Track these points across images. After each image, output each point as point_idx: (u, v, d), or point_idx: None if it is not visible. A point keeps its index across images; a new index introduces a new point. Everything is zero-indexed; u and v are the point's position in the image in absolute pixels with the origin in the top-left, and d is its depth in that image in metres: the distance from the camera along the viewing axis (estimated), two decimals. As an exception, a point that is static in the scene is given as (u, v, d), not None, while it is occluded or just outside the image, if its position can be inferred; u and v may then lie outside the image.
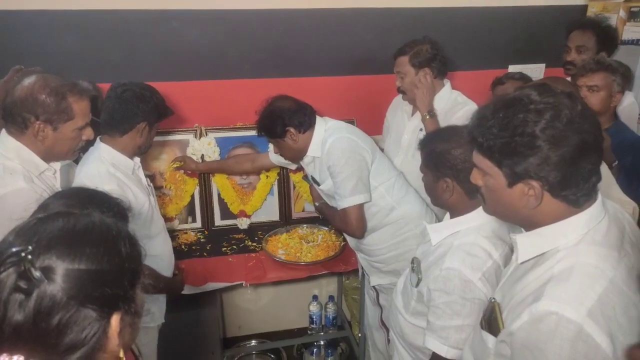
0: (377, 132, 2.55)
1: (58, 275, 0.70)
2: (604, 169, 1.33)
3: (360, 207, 2.02)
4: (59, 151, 1.60)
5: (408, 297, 1.58)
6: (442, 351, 1.37)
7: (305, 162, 2.17)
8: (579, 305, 0.92)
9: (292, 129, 2.04)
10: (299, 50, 2.61)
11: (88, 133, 1.64)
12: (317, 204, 2.37)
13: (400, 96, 2.36)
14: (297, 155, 2.14)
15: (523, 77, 2.35)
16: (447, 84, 2.28)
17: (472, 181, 1.14)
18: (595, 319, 0.91)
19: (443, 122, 2.14)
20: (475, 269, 1.34)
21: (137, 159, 1.89)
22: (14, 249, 0.71)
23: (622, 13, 2.63)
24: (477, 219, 1.42)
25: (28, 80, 1.52)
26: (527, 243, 1.07)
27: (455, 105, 2.23)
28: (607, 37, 2.40)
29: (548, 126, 0.95)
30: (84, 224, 0.77)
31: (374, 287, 2.28)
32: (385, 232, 2.11)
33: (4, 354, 0.68)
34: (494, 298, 1.16)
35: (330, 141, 2.02)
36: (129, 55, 2.43)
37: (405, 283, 1.63)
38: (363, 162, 2.01)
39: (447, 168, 1.43)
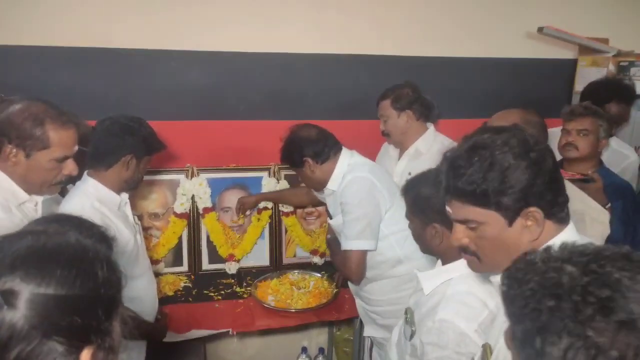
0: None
1: (21, 300, 0.61)
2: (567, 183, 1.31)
3: (362, 253, 1.94)
4: (32, 181, 1.48)
5: (402, 350, 1.48)
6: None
7: (326, 193, 2.11)
8: None
9: (309, 160, 1.99)
10: (295, 94, 2.63)
11: (70, 167, 1.52)
12: (328, 236, 2.30)
13: (387, 143, 2.44)
14: (316, 185, 2.09)
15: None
16: (431, 127, 2.36)
17: (456, 243, 1.09)
18: None
19: (431, 164, 2.12)
20: (470, 320, 1.26)
21: (125, 195, 1.82)
22: None
23: (612, 67, 2.70)
24: None
25: (13, 105, 1.45)
26: None
27: (442, 149, 2.21)
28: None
29: (524, 153, 0.97)
30: (55, 243, 0.68)
31: (368, 337, 2.17)
32: (387, 285, 2.00)
33: None
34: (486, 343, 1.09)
35: (349, 178, 1.96)
36: (127, 93, 2.42)
37: (400, 335, 1.53)
38: (377, 207, 1.94)
39: (434, 213, 1.36)
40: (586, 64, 2.84)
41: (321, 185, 2.06)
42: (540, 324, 0.63)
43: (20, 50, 2.28)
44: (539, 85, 2.82)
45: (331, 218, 2.12)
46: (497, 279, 1.02)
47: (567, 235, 1.01)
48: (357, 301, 2.20)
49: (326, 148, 2.00)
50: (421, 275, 1.44)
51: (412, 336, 1.41)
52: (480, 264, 1.09)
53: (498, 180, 0.97)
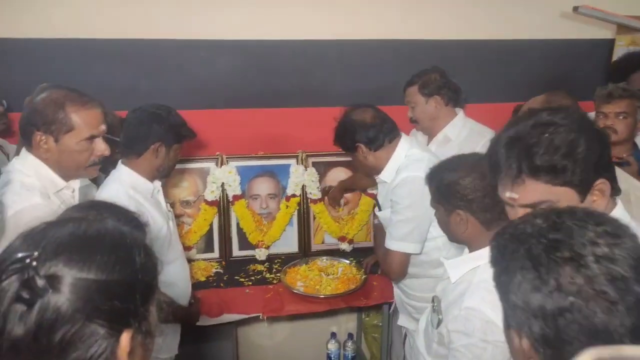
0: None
1: (65, 284, 0.64)
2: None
3: (405, 255, 1.86)
4: (68, 165, 1.53)
5: (429, 338, 1.48)
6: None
7: (377, 180, 2.04)
8: None
9: (362, 146, 1.89)
10: (321, 80, 2.63)
11: (100, 147, 1.54)
12: (376, 221, 2.20)
13: (416, 129, 2.39)
14: (369, 171, 2.01)
15: None
16: (460, 112, 2.29)
17: None
18: None
19: (460, 150, 2.09)
20: (497, 308, 1.21)
21: (158, 183, 1.87)
22: (18, 255, 0.64)
23: (652, 46, 2.59)
24: None
25: (38, 95, 1.51)
26: None
27: (471, 134, 2.21)
28: None
29: (586, 126, 1.00)
30: (95, 230, 0.70)
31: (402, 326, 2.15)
32: (428, 283, 1.92)
33: None
34: None
35: (403, 175, 1.85)
36: (157, 84, 2.46)
37: (427, 323, 1.53)
38: (428, 210, 1.75)
39: (457, 199, 1.35)
40: (625, 44, 2.73)
41: (374, 171, 1.97)
42: (504, 264, 0.76)
43: (53, 42, 2.35)
44: (573, 67, 2.73)
45: (379, 208, 2.05)
46: None
47: (618, 212, 1.03)
48: (396, 290, 2.17)
49: (380, 134, 1.87)
50: (448, 263, 1.43)
51: (439, 324, 1.40)
52: None
53: (572, 155, 0.97)
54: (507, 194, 1.04)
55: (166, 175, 1.89)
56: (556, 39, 2.74)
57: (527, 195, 1.01)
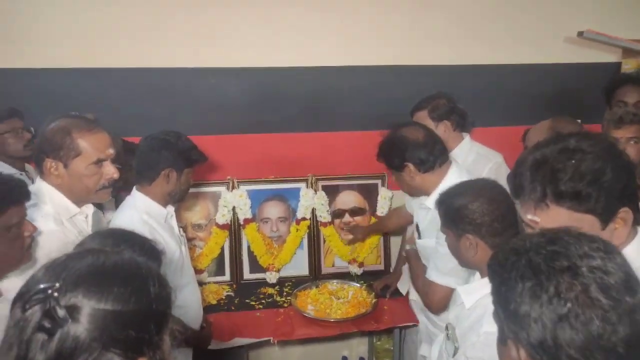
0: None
1: (83, 315, 0.67)
2: None
3: (450, 290, 1.70)
4: (79, 190, 1.57)
5: None
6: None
7: (418, 205, 1.92)
8: None
9: (411, 166, 1.80)
10: (330, 105, 2.68)
11: (109, 171, 1.58)
12: (407, 247, 2.10)
13: None
14: (412, 192, 1.91)
15: None
16: (467, 137, 2.30)
17: None
18: None
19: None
20: None
21: (171, 208, 1.91)
22: (41, 286, 0.68)
23: (659, 69, 2.61)
24: None
25: (47, 124, 1.57)
26: None
27: (478, 158, 2.23)
28: None
29: (613, 154, 1.01)
30: (113, 262, 0.74)
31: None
32: None
33: None
34: None
35: None
36: (170, 110, 2.53)
37: (441, 352, 1.50)
38: None
39: (466, 224, 1.36)
40: (631, 67, 2.75)
41: (418, 192, 1.88)
42: (506, 276, 0.78)
43: (69, 72, 2.43)
44: (580, 91, 2.75)
45: (419, 235, 1.93)
46: None
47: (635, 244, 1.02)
48: (421, 318, 2.12)
49: (432, 157, 1.78)
50: (461, 289, 1.42)
51: (455, 352, 1.38)
52: None
53: (598, 183, 0.97)
54: (529, 217, 1.05)
55: (179, 200, 1.93)
56: (562, 63, 2.77)
57: (549, 219, 1.01)
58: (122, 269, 0.74)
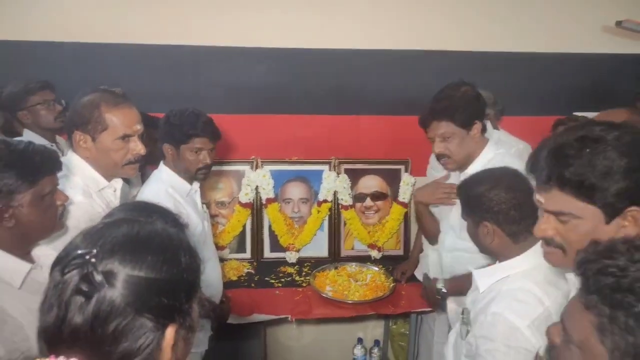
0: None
1: (119, 280, 0.70)
2: None
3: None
4: (105, 163, 1.60)
5: (458, 351, 1.49)
6: None
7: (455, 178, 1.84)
8: None
9: (479, 124, 1.74)
10: (357, 89, 2.66)
11: (135, 146, 1.60)
12: (442, 290, 1.94)
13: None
14: (463, 160, 1.81)
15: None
16: (493, 136, 1.98)
17: (539, 234, 1.07)
18: None
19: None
20: (523, 315, 1.26)
21: (196, 185, 1.94)
22: (79, 252, 0.71)
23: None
24: (527, 263, 1.34)
25: (80, 97, 1.61)
26: None
27: (499, 144, 2.00)
28: None
29: (635, 151, 0.94)
30: (147, 232, 0.77)
31: None
32: None
33: (61, 356, 0.68)
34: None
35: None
36: (197, 88, 2.56)
37: (456, 336, 1.54)
38: None
39: (484, 211, 1.38)
40: (667, 59, 2.66)
41: (467, 161, 1.81)
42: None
43: (95, 47, 2.46)
44: (615, 82, 2.67)
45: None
46: (572, 276, 1.00)
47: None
48: (451, 306, 1.99)
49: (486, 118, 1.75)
50: (477, 272, 1.45)
51: (467, 334, 1.42)
52: (564, 258, 1.05)
53: (607, 176, 0.94)
54: (537, 196, 1.06)
55: (199, 177, 1.93)
56: (598, 52, 2.69)
57: (550, 202, 1.02)
58: (155, 239, 0.77)
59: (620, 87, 2.64)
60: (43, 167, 1.23)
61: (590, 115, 2.64)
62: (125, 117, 1.60)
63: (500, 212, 1.35)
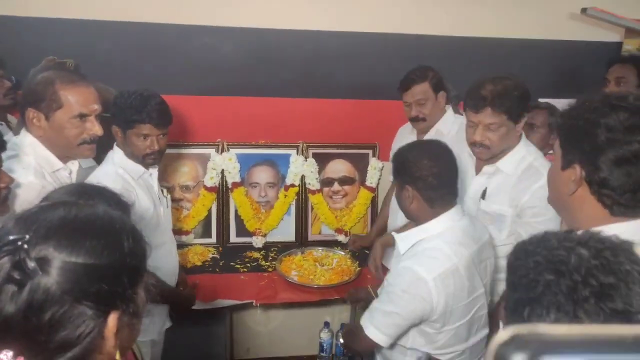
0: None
1: (54, 267, 0.67)
2: None
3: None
4: (59, 143, 1.54)
5: None
6: (366, 327, 1.49)
7: (489, 170, 1.81)
8: None
9: (525, 117, 1.72)
10: (325, 72, 2.63)
11: (92, 127, 1.55)
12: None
13: (404, 127, 2.40)
14: (499, 148, 1.75)
15: (549, 107, 2.34)
16: (449, 109, 2.29)
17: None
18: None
19: (453, 144, 2.07)
20: (429, 269, 1.39)
21: (153, 169, 1.88)
22: (10, 237, 0.67)
23: (660, 51, 2.57)
24: (440, 226, 1.47)
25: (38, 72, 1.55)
26: None
27: (462, 129, 2.13)
28: None
29: (614, 121, 0.93)
30: (85, 215, 0.73)
31: None
32: None
33: None
34: None
35: (532, 159, 1.74)
36: (160, 67, 2.47)
37: None
38: None
39: (407, 176, 1.49)
40: (632, 47, 2.70)
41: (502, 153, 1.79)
42: (533, 295, 0.64)
43: (59, 22, 2.36)
44: (579, 69, 2.71)
45: (483, 196, 1.81)
46: None
47: (626, 227, 0.93)
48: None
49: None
50: (397, 236, 1.55)
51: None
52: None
53: (572, 125, 1.01)
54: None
55: (144, 163, 1.82)
56: (562, 39, 2.72)
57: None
58: (95, 223, 0.73)
59: (585, 74, 2.68)
60: None
61: (555, 102, 2.69)
62: (81, 96, 1.54)
63: (421, 178, 1.45)
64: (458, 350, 1.51)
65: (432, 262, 1.40)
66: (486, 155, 1.78)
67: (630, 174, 0.93)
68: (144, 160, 1.81)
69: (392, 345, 1.53)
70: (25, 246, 0.66)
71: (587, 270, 0.62)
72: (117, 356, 0.74)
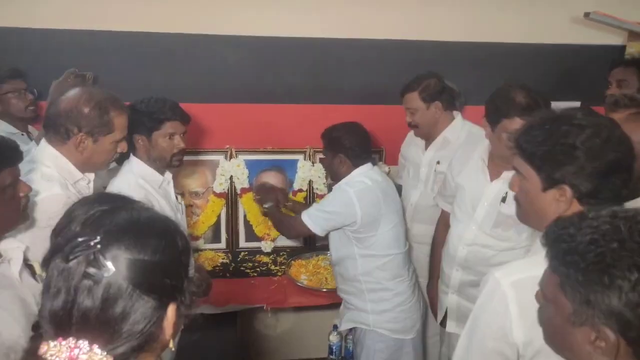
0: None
1: (125, 264, 0.74)
2: None
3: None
4: (96, 162, 1.64)
5: None
6: (303, 215, 2.06)
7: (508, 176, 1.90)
8: None
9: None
10: (331, 78, 2.66)
11: (123, 146, 1.67)
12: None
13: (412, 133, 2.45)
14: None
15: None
16: (458, 116, 2.35)
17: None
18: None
19: (460, 152, 2.13)
20: (352, 186, 2.04)
21: (168, 175, 1.92)
22: (81, 239, 0.74)
23: (663, 54, 2.59)
24: (359, 171, 2.08)
25: (73, 92, 1.58)
26: None
27: (470, 136, 2.24)
28: None
29: (587, 140, 1.04)
30: (146, 217, 0.81)
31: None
32: None
33: (70, 338, 0.71)
34: None
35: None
36: (169, 76, 2.51)
37: None
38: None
39: (339, 147, 2.07)
40: (635, 50, 2.73)
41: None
42: (606, 264, 0.72)
43: (70, 33, 2.40)
44: (582, 73, 2.73)
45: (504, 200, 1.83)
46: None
47: None
48: (453, 297, 2.02)
49: None
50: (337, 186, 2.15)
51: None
52: (518, 212, 1.22)
53: (548, 150, 1.07)
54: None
55: (171, 165, 1.90)
56: (566, 43, 2.74)
57: (515, 164, 1.18)
58: (155, 223, 0.81)
59: (588, 77, 2.70)
60: (2, 159, 1.20)
61: (559, 105, 2.71)
62: (126, 121, 1.64)
63: (350, 148, 2.05)
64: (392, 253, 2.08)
65: (356, 184, 2.03)
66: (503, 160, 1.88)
67: (614, 181, 1.06)
68: (172, 161, 1.87)
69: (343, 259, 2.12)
70: (99, 246, 0.74)
71: (638, 233, 0.74)
72: (171, 344, 0.81)
